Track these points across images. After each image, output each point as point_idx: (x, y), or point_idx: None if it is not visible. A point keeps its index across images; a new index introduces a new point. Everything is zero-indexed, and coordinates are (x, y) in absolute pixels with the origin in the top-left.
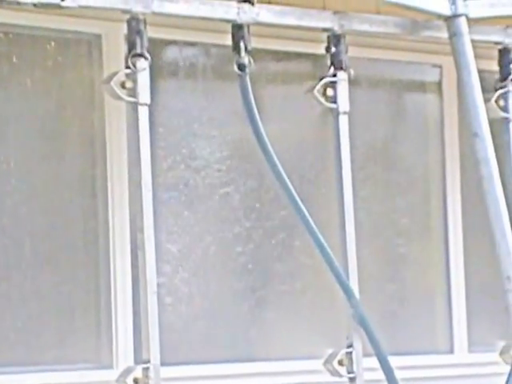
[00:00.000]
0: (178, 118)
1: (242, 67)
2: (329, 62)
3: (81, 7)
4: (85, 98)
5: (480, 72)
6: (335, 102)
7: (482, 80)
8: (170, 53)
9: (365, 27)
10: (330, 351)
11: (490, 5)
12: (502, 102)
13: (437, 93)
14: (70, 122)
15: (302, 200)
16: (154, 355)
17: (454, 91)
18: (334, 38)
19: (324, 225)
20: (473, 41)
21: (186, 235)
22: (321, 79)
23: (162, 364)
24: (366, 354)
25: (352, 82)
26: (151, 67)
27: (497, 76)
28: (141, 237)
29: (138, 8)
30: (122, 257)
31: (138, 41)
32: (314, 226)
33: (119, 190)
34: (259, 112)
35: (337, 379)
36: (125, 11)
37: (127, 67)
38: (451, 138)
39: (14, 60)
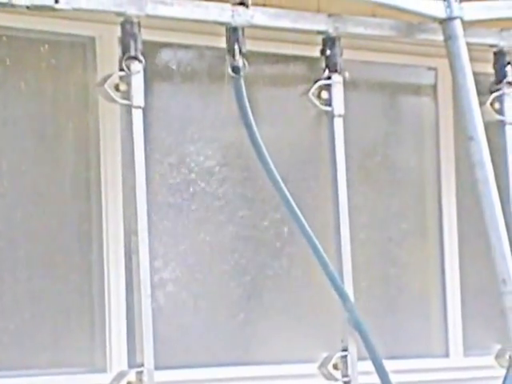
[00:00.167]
0: (173, 121)
1: (236, 70)
2: (324, 65)
3: (75, 10)
4: (79, 100)
5: (475, 75)
6: (330, 104)
7: (477, 83)
8: (165, 55)
9: (360, 30)
10: (324, 355)
11: (485, 7)
12: (497, 105)
13: (432, 96)
14: (63, 125)
15: (296, 203)
16: (148, 359)
17: (449, 94)
18: (329, 41)
19: (319, 228)
20: (468, 43)
21: (181, 238)
22: (315, 82)
23: (156, 368)
24: (360, 358)
25: (347, 85)
26: (145, 70)
27: (492, 79)
28: (135, 240)
29: (132, 10)
30: (116, 260)
31: (132, 43)
32: (308, 229)
33: (113, 193)
34: (254, 115)
35: (332, 383)
36: (119, 14)
37: (121, 70)
38: (446, 141)
39: (8, 63)
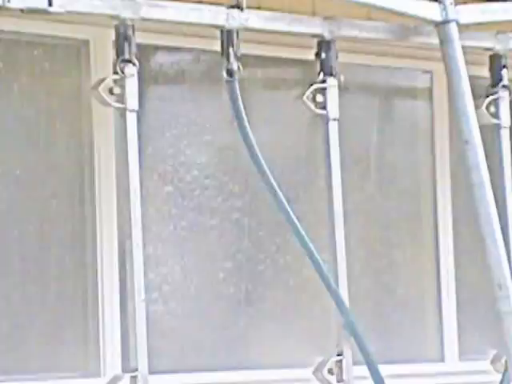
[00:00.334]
0: (167, 125)
1: (231, 73)
2: (318, 68)
3: (69, 13)
4: (72, 103)
5: (471, 78)
6: (325, 108)
7: (472, 86)
8: (159, 59)
9: (355, 33)
10: (319, 359)
11: (481, 11)
12: (492, 109)
13: (427, 99)
14: (57, 129)
15: (291, 207)
16: (142, 363)
17: (444, 97)
18: (324, 44)
19: (314, 232)
20: (463, 47)
21: (176, 242)
22: (310, 85)
23: (150, 372)
24: (355, 363)
25: (342, 88)
26: (139, 73)
27: (487, 82)
28: (129, 244)
29: (126, 14)
30: (110, 264)
31: (126, 46)
32: (303, 233)
33: (107, 197)
34: (248, 118)
35: None
36: (113, 17)
37: (115, 73)
38: (441, 145)
39: (1, 66)
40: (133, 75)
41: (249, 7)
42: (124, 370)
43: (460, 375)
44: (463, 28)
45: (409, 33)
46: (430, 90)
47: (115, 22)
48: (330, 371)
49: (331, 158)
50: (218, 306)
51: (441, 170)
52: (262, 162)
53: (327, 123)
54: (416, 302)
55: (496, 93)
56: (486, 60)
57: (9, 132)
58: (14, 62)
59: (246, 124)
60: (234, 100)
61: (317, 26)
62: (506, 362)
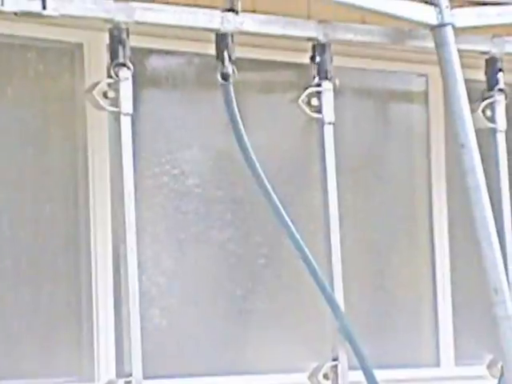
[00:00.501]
0: (162, 128)
1: (225, 76)
2: (313, 72)
3: (63, 16)
4: (67, 107)
5: (467, 82)
6: (320, 111)
7: (468, 90)
8: (153, 62)
9: (350, 36)
10: (314, 364)
11: (477, 14)
12: (488, 112)
13: (423, 102)
14: (51, 132)
15: (286, 210)
16: (137, 368)
17: (440, 101)
18: (319, 48)
19: (309, 236)
20: (459, 50)
21: (171, 246)
22: (305, 89)
23: (145, 377)
24: (351, 367)
25: (337, 92)
26: (134, 77)
27: (483, 86)
28: (123, 248)
29: (120, 17)
30: (105, 268)
31: (120, 50)
32: (298, 237)
33: (101, 201)
34: (243, 122)
35: None
36: (107, 20)
37: (109, 77)
38: (437, 148)
39: None
40: (127, 79)
41: (244, 11)
42: (118, 375)
43: (456, 380)
44: (459, 31)
45: (404, 36)
46: (426, 94)
47: (109, 26)
48: (326, 376)
49: (326, 162)
50: (214, 311)
51: (436, 174)
52: (257, 165)
53: (322, 127)
54: (412, 306)
55: (492, 96)
56: (482, 63)
57: (2, 135)
58: (7, 65)
59: (241, 127)
60: (228, 103)
61: (312, 30)
62: (502, 367)
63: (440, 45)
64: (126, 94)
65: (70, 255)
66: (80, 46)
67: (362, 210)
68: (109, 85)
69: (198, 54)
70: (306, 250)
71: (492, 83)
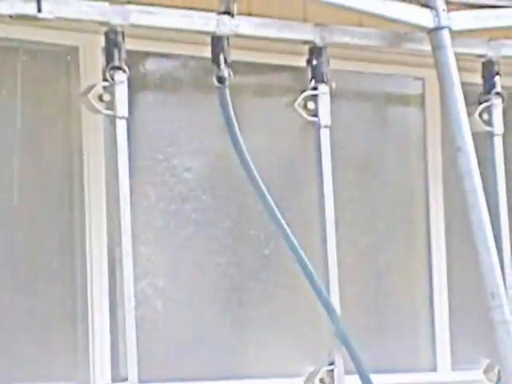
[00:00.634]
0: (157, 132)
1: (221, 80)
2: (310, 75)
3: (58, 19)
4: (62, 111)
5: (463, 85)
6: (316, 115)
7: (465, 93)
8: (149, 65)
9: (346, 39)
10: (311, 369)
11: (474, 17)
12: (485, 116)
13: (419, 106)
14: (46, 136)
15: (282, 213)
16: (132, 372)
17: (436, 104)
18: (315, 51)
19: (305, 239)
20: (456, 53)
21: (167, 250)
22: (302, 92)
23: (140, 381)
24: (347, 372)
25: (333, 95)
26: (129, 80)
27: (480, 89)
28: (119, 251)
29: (115, 20)
30: (100, 271)
31: (115, 53)
32: (294, 241)
33: (97, 204)
34: (239, 125)
35: None
36: (103, 23)
37: (105, 80)
38: (434, 151)
39: None
40: (122, 82)
41: (239, 14)
42: (114, 379)
43: None
44: (456, 34)
45: (401, 39)
46: (422, 97)
47: (105, 29)
48: (322, 381)
49: (323, 165)
50: (210, 315)
51: (433, 177)
52: (253, 168)
53: (319, 130)
54: (408, 310)
55: (489, 100)
56: (479, 67)
57: None
58: (2, 68)
59: (237, 130)
60: (224, 107)
61: (308, 33)
62: (498, 371)
63: (437, 48)
64: (122, 98)
65: (65, 258)
66: (75, 49)
67: (358, 213)
68: (104, 88)
69: (193, 57)
70: (302, 253)
71: (489, 86)
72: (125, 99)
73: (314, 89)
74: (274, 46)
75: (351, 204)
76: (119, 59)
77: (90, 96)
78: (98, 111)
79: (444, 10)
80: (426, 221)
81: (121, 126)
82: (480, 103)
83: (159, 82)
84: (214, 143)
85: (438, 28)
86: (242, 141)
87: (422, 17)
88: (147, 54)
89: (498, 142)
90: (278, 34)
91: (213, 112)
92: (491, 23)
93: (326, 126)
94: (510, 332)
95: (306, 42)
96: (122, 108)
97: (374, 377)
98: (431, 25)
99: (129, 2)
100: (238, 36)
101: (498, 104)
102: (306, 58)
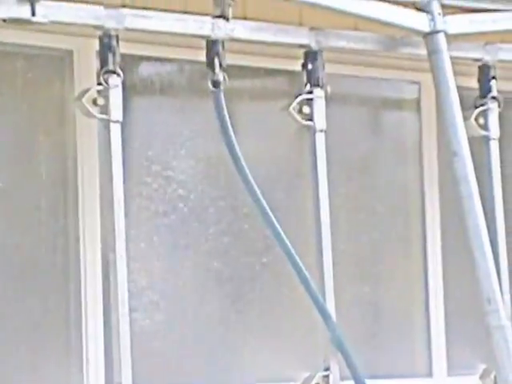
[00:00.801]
0: (152, 136)
1: (216, 84)
2: (305, 79)
3: (52, 23)
4: (56, 115)
5: (459, 89)
6: (311, 119)
7: (461, 97)
8: (143, 69)
9: (342, 44)
10: (306, 374)
11: (469, 21)
12: (481, 120)
13: (415, 110)
14: (40, 140)
15: (277, 219)
16: (126, 377)
17: (432, 108)
18: (311, 55)
19: (300, 244)
20: (452, 57)
21: (161, 255)
22: (297, 96)
23: None
24: (343, 378)
25: (329, 100)
26: (124, 84)
27: (476, 93)
28: (113, 256)
29: (110, 24)
30: (94, 276)
31: (110, 57)
32: (290, 246)
33: (91, 209)
34: (234, 129)
35: None
36: (97, 27)
37: (99, 84)
38: (430, 156)
39: None
40: (117, 86)
41: (235, 17)
42: None
43: None
44: (451, 38)
45: (396, 43)
46: (418, 101)
47: (99, 33)
48: None
49: (318, 170)
50: (206, 320)
51: (429, 181)
52: (248, 172)
53: (314, 134)
54: (404, 316)
55: (485, 104)
56: (475, 71)
57: None
58: None
59: (232, 134)
60: (219, 111)
61: (303, 37)
62: (495, 377)
63: (432, 52)
64: (116, 102)
65: (59, 262)
66: (70, 52)
67: (354, 217)
68: (98, 92)
69: (188, 61)
70: (298, 259)
71: (485, 91)
72: (119, 103)
73: (310, 93)
74: (269, 50)
75: (347, 209)
76: (113, 63)
77: (84, 100)
78: (92, 115)
79: (440, 14)
80: (422, 225)
81: (115, 130)
82: (476, 107)
83: (154, 86)
84: (209, 147)
85: (434, 32)
86: (236, 145)
87: (417, 21)
88: (142, 58)
89: (494, 147)
90: (273, 38)
91: (208, 116)
92: (487, 27)
93: (321, 131)
94: (506, 337)
95: (301, 46)
96: (116, 112)
97: (369, 382)
98: (427, 29)
99: (123, 6)
100: (233, 40)
101: (494, 108)
102: (301, 62)
